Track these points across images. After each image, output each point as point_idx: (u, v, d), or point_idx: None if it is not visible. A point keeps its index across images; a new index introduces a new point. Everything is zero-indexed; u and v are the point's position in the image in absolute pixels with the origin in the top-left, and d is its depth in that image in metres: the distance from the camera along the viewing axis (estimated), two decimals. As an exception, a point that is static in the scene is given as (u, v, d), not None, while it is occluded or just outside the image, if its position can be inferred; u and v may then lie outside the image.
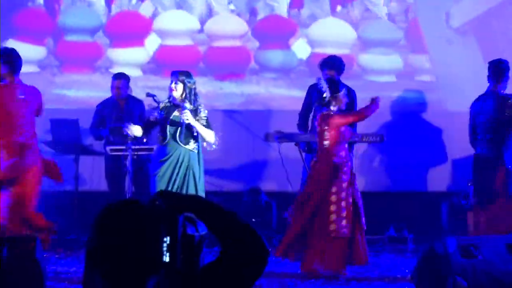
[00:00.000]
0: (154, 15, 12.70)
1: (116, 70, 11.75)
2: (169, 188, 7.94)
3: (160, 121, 7.98)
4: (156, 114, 8.03)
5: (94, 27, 12.61)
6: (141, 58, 12.39)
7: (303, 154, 9.34)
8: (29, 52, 11.57)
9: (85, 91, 11.76)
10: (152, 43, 12.50)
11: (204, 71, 11.76)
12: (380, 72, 12.20)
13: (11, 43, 11.78)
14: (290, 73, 11.80)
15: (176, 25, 12.62)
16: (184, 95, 7.99)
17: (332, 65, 9.50)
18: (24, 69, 10.09)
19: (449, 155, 10.30)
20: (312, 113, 9.46)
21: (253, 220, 10.09)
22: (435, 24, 12.46)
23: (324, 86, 8.46)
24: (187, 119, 7.98)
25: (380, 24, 12.64)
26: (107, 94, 10.58)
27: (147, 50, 12.52)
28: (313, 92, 9.42)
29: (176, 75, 8.11)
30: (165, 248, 2.66)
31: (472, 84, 10.44)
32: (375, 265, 8.34)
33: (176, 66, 10.71)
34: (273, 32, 12.47)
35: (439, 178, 10.81)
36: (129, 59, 12.37)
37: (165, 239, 2.67)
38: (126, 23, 12.67)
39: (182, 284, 2.65)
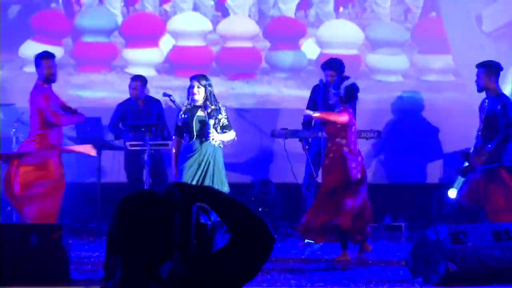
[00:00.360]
0: (168, 16, 12.37)
1: (131, 70, 11.65)
2: (195, 180, 7.87)
3: (186, 122, 7.97)
4: (183, 115, 8.03)
5: (110, 28, 12.20)
6: (156, 58, 12.00)
7: (307, 149, 9.30)
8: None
9: (101, 91, 11.53)
10: (166, 43, 12.12)
11: (216, 71, 11.45)
12: (387, 72, 11.92)
13: (29, 44, 11.72)
14: (300, 73, 11.49)
15: (189, 26, 12.20)
16: (205, 98, 7.95)
17: (333, 66, 9.40)
18: None
19: (443, 150, 10.08)
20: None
21: (260, 209, 10.02)
22: (461, 26, 12.01)
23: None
24: (216, 141, 8.07)
25: (387, 25, 12.29)
26: (121, 93, 10.67)
27: (161, 50, 12.14)
28: (317, 92, 9.44)
29: (197, 79, 8.04)
30: (179, 235, 2.64)
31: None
32: (372, 250, 8.29)
33: (189, 66, 10.88)
34: (284, 33, 12.15)
35: (431, 171, 10.76)
36: (143, 59, 12.03)
37: (179, 226, 2.64)
38: (141, 24, 12.27)
39: (194, 268, 2.62)
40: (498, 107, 8.47)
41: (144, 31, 12.20)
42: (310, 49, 11.92)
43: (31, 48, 11.45)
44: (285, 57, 11.58)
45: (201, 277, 2.59)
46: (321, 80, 9.37)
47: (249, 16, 12.30)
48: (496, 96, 8.52)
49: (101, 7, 12.33)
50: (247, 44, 12.09)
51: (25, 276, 6.89)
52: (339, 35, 12.08)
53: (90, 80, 11.36)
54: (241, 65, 12.08)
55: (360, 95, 8.74)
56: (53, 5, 12.34)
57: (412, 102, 11.17)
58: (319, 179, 8.93)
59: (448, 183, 9.81)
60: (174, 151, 8.17)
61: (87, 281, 7.08)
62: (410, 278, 7.18)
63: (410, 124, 10.81)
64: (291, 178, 9.64)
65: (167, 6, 12.56)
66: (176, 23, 12.15)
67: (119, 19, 12.23)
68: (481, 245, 7.03)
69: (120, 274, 2.64)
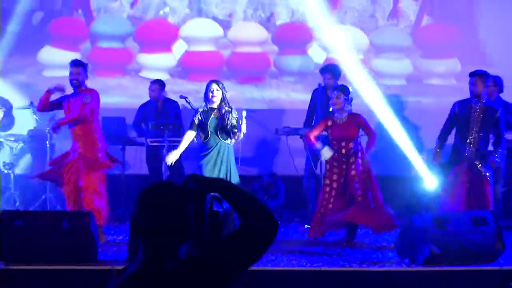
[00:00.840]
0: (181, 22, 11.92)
1: (144, 74, 11.54)
2: (214, 173, 7.87)
3: (201, 122, 7.98)
4: (199, 116, 7.99)
5: (125, 34, 11.91)
6: (169, 63, 11.75)
7: (307, 145, 9.21)
8: (64, 57, 10.78)
9: (115, 95, 11.17)
10: (178, 48, 11.85)
11: (227, 75, 11.22)
12: (391, 76, 11.65)
13: (47, 49, 11.62)
14: (307, 77, 11.15)
15: (201, 32, 11.86)
16: (221, 100, 7.97)
17: (330, 70, 9.42)
18: (60, 73, 10.33)
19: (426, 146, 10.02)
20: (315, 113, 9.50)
21: (265, 198, 10.07)
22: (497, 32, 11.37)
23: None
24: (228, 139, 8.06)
25: (391, 31, 11.95)
26: (135, 97, 10.56)
27: (174, 55, 11.86)
28: (317, 95, 9.46)
29: (216, 83, 8.04)
30: (193, 221, 2.68)
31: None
32: (365, 235, 8.34)
33: (201, 70, 10.74)
34: (292, 38, 11.85)
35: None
36: (157, 63, 11.79)
37: (193, 213, 2.68)
38: (154, 30, 12.02)
39: (208, 250, 2.64)
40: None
41: (157, 37, 11.97)
42: (316, 53, 11.65)
43: (49, 53, 11.54)
44: (293, 61, 11.41)
45: (213, 258, 2.60)
46: (319, 84, 9.34)
47: (260, 21, 11.95)
48: (492, 99, 8.67)
49: (116, 14, 11.99)
50: (257, 49, 11.84)
51: (59, 256, 6.89)
52: (345, 40, 11.54)
53: (106, 84, 11.01)
54: (250, 69, 11.83)
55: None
56: (75, 13, 12.02)
57: (401, 105, 10.93)
58: (318, 171, 8.88)
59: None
60: (183, 141, 8.12)
61: (113, 261, 7.01)
62: (398, 259, 7.25)
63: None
64: (293, 171, 9.56)
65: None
66: (188, 29, 11.85)
67: (134, 25, 11.88)
68: (461, 230, 7.10)
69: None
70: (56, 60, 11.41)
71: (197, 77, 10.17)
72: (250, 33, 11.89)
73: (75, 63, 8.25)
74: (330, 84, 9.15)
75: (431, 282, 6.77)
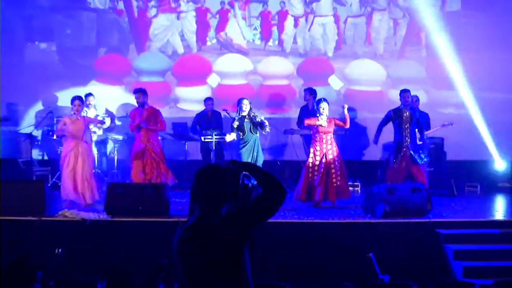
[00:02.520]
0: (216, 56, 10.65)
1: (182, 105, 10.54)
2: (249, 158, 7.91)
3: (239, 125, 8.10)
4: (237, 122, 8.06)
5: (164, 69, 10.59)
6: (204, 95, 10.22)
7: (303, 140, 9.46)
8: (110, 91, 10.31)
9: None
10: (213, 80, 10.59)
11: (257, 105, 9.93)
12: None
13: (94, 84, 10.43)
14: (329, 105, 9.01)
15: (233, 67, 10.58)
16: (249, 109, 8.07)
17: (311, 92, 9.28)
18: (107, 105, 10.08)
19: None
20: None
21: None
22: None
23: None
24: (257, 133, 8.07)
25: (406, 65, 10.49)
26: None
27: (208, 87, 10.59)
28: (304, 109, 9.49)
29: (246, 99, 8.15)
30: (231, 190, 2.68)
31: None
32: (343, 200, 8.07)
33: (232, 101, 8.99)
34: (315, 71, 10.51)
35: (376, 154, 10.10)
36: (193, 96, 10.50)
37: (231, 185, 2.68)
38: (190, 65, 10.58)
39: (240, 209, 2.62)
40: (423, 115, 8.50)
41: (193, 71, 10.55)
42: (335, 83, 10.47)
43: (94, 87, 10.22)
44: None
45: (244, 214, 2.61)
46: (307, 103, 9.38)
47: (286, 55, 10.46)
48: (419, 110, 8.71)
49: (157, 51, 10.61)
50: (284, 82, 10.54)
51: (144, 212, 6.99)
52: (364, 73, 10.39)
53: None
54: (278, 100, 10.52)
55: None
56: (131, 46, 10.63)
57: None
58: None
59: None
60: (227, 137, 8.13)
61: (179, 216, 6.96)
62: (364, 214, 7.36)
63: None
64: (294, 157, 9.41)
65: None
66: (221, 64, 10.57)
67: (172, 61, 10.51)
68: (404, 195, 7.20)
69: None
70: (104, 91, 10.32)
71: (231, 108, 8.74)
72: (277, 68, 10.56)
73: (136, 91, 8.30)
74: (310, 101, 9.14)
75: (386, 230, 6.80)
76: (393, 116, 8.32)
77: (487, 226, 7.00)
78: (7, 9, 10.24)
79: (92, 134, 8.70)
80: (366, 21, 10.49)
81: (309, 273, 6.19)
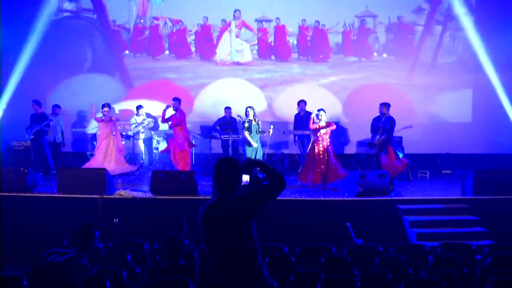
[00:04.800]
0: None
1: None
2: (253, 154, 7.77)
3: (248, 127, 7.94)
4: (247, 124, 7.83)
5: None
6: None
7: (297, 138, 9.17)
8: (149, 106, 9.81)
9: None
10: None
11: (265, 114, 9.65)
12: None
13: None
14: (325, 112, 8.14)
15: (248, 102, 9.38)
16: (254, 115, 7.94)
17: (303, 102, 9.06)
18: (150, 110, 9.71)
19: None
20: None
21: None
22: None
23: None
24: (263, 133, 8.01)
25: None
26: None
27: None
28: (297, 116, 9.20)
29: (251, 107, 8.02)
30: (245, 178, 2.68)
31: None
32: (333, 183, 7.75)
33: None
34: None
35: (358, 149, 10.02)
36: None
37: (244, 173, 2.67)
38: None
39: (252, 192, 2.60)
40: (389, 121, 8.26)
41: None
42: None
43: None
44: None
45: (254, 195, 2.59)
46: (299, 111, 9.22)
47: None
48: (388, 116, 8.32)
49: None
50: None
51: (178, 192, 6.84)
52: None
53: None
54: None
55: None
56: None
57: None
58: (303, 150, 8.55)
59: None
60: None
61: (204, 195, 6.90)
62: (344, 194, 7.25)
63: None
64: (293, 151, 9.43)
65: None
66: (236, 100, 9.72)
67: None
68: (372, 179, 7.16)
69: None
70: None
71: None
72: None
73: (173, 99, 8.12)
74: (303, 109, 8.93)
75: (359, 206, 6.70)
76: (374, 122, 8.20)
77: (434, 202, 6.92)
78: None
79: (141, 134, 8.75)
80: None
81: (301, 238, 6.08)
